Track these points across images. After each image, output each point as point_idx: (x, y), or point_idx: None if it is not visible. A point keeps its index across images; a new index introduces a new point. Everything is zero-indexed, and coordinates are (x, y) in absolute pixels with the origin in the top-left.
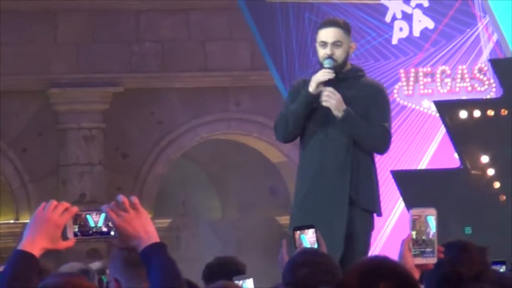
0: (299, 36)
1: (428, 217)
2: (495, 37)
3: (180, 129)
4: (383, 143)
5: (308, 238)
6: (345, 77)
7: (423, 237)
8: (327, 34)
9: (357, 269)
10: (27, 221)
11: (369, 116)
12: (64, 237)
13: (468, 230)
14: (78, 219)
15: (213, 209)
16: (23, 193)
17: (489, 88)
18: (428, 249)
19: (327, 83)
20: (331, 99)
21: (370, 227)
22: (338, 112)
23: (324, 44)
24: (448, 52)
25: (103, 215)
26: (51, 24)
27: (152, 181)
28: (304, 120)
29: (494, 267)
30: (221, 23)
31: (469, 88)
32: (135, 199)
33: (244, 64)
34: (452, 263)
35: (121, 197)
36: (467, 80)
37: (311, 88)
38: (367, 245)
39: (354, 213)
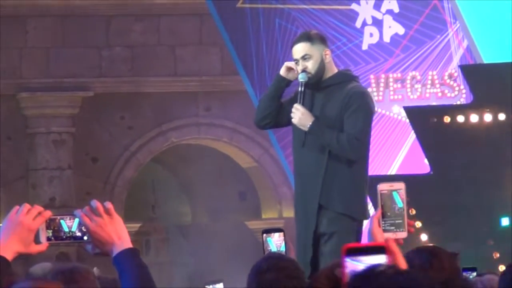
0: (269, 41)
1: (394, 192)
2: (465, 43)
3: (150, 134)
4: (351, 151)
5: (275, 241)
6: (328, 84)
7: (389, 212)
8: (295, 51)
9: (324, 273)
10: None
11: (342, 120)
12: (37, 241)
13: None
14: (52, 224)
15: (183, 214)
16: None
17: (459, 94)
18: (397, 224)
19: (309, 88)
20: (295, 115)
21: (342, 228)
22: (303, 127)
23: (296, 61)
24: (418, 58)
25: (76, 220)
26: (21, 28)
27: (122, 185)
28: (274, 100)
29: (465, 274)
30: (192, 28)
31: (439, 94)
32: (109, 205)
33: (214, 69)
34: (423, 268)
35: (95, 202)
36: (438, 86)
37: (281, 70)
38: (337, 246)
39: (325, 216)
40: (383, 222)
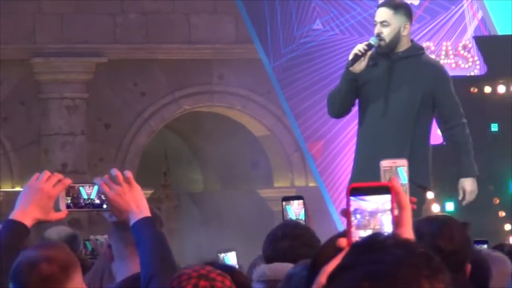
0: (284, 10)
1: (399, 168)
2: (480, 15)
3: (163, 101)
4: (465, 124)
5: (294, 209)
6: (401, 57)
7: None
8: (377, 14)
9: (332, 240)
10: (9, 189)
11: (437, 102)
12: (56, 208)
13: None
14: (71, 191)
15: (194, 182)
16: (5, 162)
17: (473, 65)
18: None
19: (380, 62)
20: (471, 199)
21: (422, 203)
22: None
23: (375, 23)
24: (432, 29)
25: (95, 187)
26: None
27: (134, 152)
28: (350, 96)
29: (477, 246)
30: None
31: (453, 65)
32: (128, 173)
33: (228, 37)
34: (433, 237)
35: (115, 171)
36: (451, 57)
37: (348, 65)
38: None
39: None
40: None
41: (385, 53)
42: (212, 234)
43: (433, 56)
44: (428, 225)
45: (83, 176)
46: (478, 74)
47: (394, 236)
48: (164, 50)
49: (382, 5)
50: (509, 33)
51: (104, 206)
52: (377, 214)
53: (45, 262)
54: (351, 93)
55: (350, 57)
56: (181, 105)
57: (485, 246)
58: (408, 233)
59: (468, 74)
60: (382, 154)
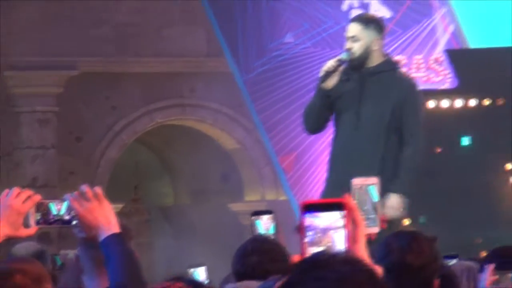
0: (256, 23)
1: (370, 187)
2: (451, 28)
3: (135, 114)
4: (421, 155)
5: (263, 224)
6: (372, 72)
7: (364, 207)
8: (348, 29)
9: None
10: None
11: (402, 120)
12: (26, 224)
13: (422, 219)
14: (41, 207)
15: (165, 195)
16: None
17: (444, 78)
18: (369, 218)
19: (352, 76)
20: (392, 215)
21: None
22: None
23: (347, 38)
24: (404, 42)
25: (65, 203)
26: (8, 7)
27: (105, 165)
28: (324, 111)
29: (446, 261)
30: (178, 9)
31: (425, 79)
32: (98, 190)
33: (200, 50)
34: (401, 252)
35: (85, 187)
36: (423, 70)
37: (320, 81)
38: None
39: None
40: None
41: (354, 68)
42: (182, 248)
43: (404, 69)
44: (397, 240)
45: (54, 190)
46: (450, 87)
47: (339, 254)
48: (136, 63)
49: (353, 20)
50: (480, 46)
51: (74, 222)
52: (329, 231)
53: (19, 274)
54: (325, 109)
55: (321, 73)
56: (153, 118)
57: (454, 260)
58: (362, 249)
59: (439, 88)
60: (354, 168)
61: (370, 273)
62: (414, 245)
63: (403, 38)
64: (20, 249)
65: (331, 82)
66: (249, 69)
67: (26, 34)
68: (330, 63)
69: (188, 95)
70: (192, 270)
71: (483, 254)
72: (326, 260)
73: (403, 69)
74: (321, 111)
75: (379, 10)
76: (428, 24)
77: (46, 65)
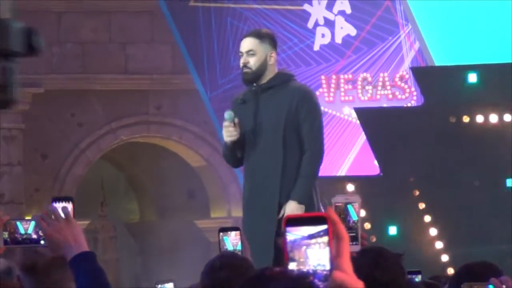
0: (220, 40)
1: (349, 205)
2: (416, 45)
3: (99, 131)
4: (319, 155)
5: (231, 240)
6: (268, 86)
7: (344, 225)
8: (242, 45)
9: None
10: None
11: (299, 125)
12: None
13: (393, 231)
14: (8, 226)
15: (131, 212)
16: None
17: (410, 96)
18: (351, 237)
19: (248, 97)
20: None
21: None
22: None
23: (241, 54)
24: (369, 60)
25: (33, 222)
26: None
27: (71, 182)
28: (238, 149)
29: (410, 276)
30: (143, 26)
31: (390, 96)
32: (66, 209)
33: (165, 68)
34: (369, 268)
35: (53, 207)
36: (388, 87)
37: (225, 137)
38: None
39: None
40: None
41: (250, 82)
42: (149, 265)
43: (349, 86)
44: (364, 257)
45: (20, 207)
46: (415, 105)
47: (281, 269)
48: (101, 81)
49: (247, 35)
50: (446, 63)
51: (42, 242)
52: (302, 247)
53: None
54: (238, 146)
55: (226, 141)
56: (118, 136)
57: (419, 276)
58: (346, 263)
59: (404, 105)
60: (259, 184)
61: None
62: (381, 261)
63: (369, 56)
64: None
65: (232, 138)
66: (214, 86)
67: None
68: (226, 133)
69: (154, 112)
70: (160, 286)
71: (449, 271)
72: (266, 276)
73: (296, 81)
74: (234, 151)
75: (344, 28)
76: (394, 42)
77: None
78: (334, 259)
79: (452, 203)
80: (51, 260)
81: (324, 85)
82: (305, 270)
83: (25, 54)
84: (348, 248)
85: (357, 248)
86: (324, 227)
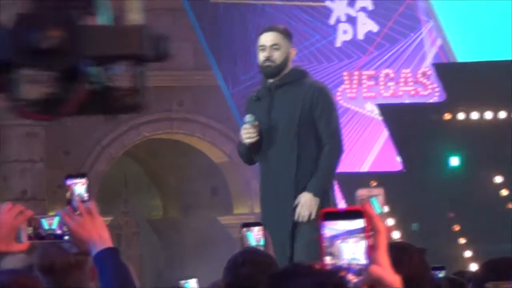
0: (242, 37)
1: (372, 198)
2: (439, 42)
3: (122, 128)
4: (338, 150)
5: (254, 235)
6: (283, 82)
7: None
8: (265, 38)
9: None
10: None
11: (314, 121)
12: (18, 239)
13: (415, 226)
14: (33, 222)
15: (154, 208)
16: None
17: (432, 92)
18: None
19: (262, 94)
20: (304, 213)
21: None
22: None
23: (263, 47)
24: (392, 56)
25: (57, 218)
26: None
27: (93, 179)
28: (253, 152)
29: (433, 272)
30: (166, 23)
31: (412, 92)
32: (91, 204)
33: (187, 64)
34: (394, 264)
35: (77, 202)
36: (411, 84)
37: (245, 143)
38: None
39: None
40: None
41: (271, 76)
42: (172, 261)
43: (372, 83)
44: (388, 252)
45: (42, 203)
46: (437, 101)
47: (309, 266)
48: None
49: (269, 30)
50: (468, 60)
51: (66, 237)
52: (337, 241)
53: (16, 286)
54: (255, 148)
55: (244, 142)
56: (140, 132)
57: (443, 272)
58: (383, 257)
59: (427, 101)
60: (275, 180)
61: (333, 286)
62: (404, 257)
63: (391, 52)
64: (8, 264)
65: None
66: (236, 82)
67: None
68: (245, 135)
69: (176, 109)
70: (183, 282)
71: (472, 267)
72: (293, 272)
73: (311, 77)
74: (251, 150)
75: (367, 24)
76: (416, 38)
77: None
78: (371, 253)
79: (475, 199)
80: (69, 260)
81: (347, 81)
82: (339, 264)
83: (154, 59)
84: (385, 242)
85: None
86: (361, 221)
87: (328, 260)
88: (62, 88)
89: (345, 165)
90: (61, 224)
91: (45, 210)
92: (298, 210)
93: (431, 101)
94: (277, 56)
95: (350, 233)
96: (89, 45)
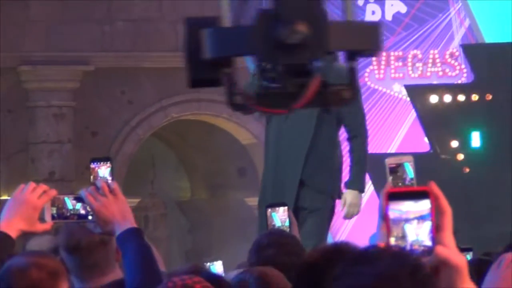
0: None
1: (405, 163)
2: (467, 23)
3: (150, 109)
4: (367, 143)
5: (279, 216)
6: None
7: (401, 183)
8: None
9: (322, 249)
10: None
11: (340, 114)
12: (42, 219)
13: None
14: (56, 202)
15: (181, 190)
16: None
17: (460, 73)
18: None
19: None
20: (353, 212)
21: (323, 206)
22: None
23: None
24: (420, 37)
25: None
26: (23, 2)
27: (121, 160)
28: None
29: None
30: (193, 4)
31: (440, 73)
32: (114, 184)
33: None
34: None
35: (100, 182)
36: (439, 65)
37: None
38: (316, 224)
39: (306, 192)
40: None
41: None
42: (200, 242)
43: (399, 64)
44: None
45: (70, 184)
46: (465, 82)
47: (384, 248)
48: (151, 58)
49: None
50: (496, 41)
51: (89, 217)
52: (401, 222)
53: (35, 268)
54: None
55: None
56: (168, 113)
57: (470, 253)
58: (449, 238)
59: (455, 82)
60: (283, 156)
61: (412, 268)
62: None
63: (419, 33)
64: (33, 245)
65: None
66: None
67: (41, 29)
68: None
69: (204, 90)
70: (208, 264)
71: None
72: (367, 254)
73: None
74: None
75: (395, 5)
76: (444, 19)
77: (61, 61)
78: (437, 234)
79: (502, 181)
80: (94, 238)
81: (375, 63)
82: (403, 246)
83: (374, 54)
84: (450, 223)
85: None
86: (427, 201)
87: (392, 241)
88: (296, 83)
89: (373, 146)
90: (85, 204)
91: (73, 191)
92: (346, 209)
93: (459, 82)
94: None
95: (414, 213)
96: (333, 40)
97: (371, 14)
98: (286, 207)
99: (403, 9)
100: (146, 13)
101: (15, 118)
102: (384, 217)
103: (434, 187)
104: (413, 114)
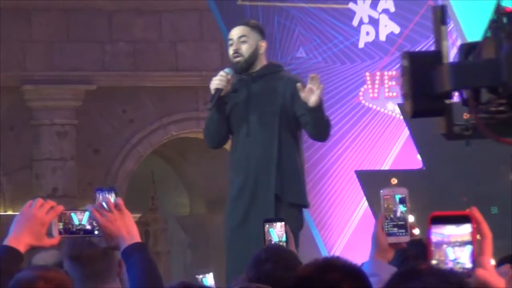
0: (267, 39)
1: (397, 195)
2: (458, 43)
3: (150, 127)
4: (329, 129)
5: (276, 232)
6: (259, 75)
7: (392, 216)
8: (232, 33)
9: (314, 263)
10: (1, 213)
11: (288, 107)
12: (49, 234)
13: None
14: (63, 217)
15: (181, 205)
16: None
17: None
18: (400, 228)
19: (239, 87)
20: (316, 92)
21: (298, 223)
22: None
23: (231, 41)
24: None
25: (87, 213)
26: (25, 22)
27: (122, 176)
28: (222, 123)
29: None
30: (192, 24)
31: None
32: (119, 200)
33: (213, 65)
34: (416, 259)
35: (106, 198)
36: None
37: (212, 96)
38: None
39: (281, 211)
40: (386, 225)
41: (241, 71)
42: (199, 257)
43: (393, 83)
44: (413, 248)
45: (73, 200)
46: (457, 100)
47: (428, 267)
48: (151, 78)
49: (237, 24)
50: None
51: (96, 232)
52: (442, 245)
53: (42, 281)
54: (223, 119)
55: (212, 92)
56: (168, 131)
57: None
58: (488, 261)
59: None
60: (252, 176)
61: (458, 286)
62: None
63: None
64: (39, 259)
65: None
66: None
67: (44, 49)
68: (216, 80)
69: (203, 108)
70: (200, 276)
71: None
72: (416, 271)
73: (287, 72)
74: (220, 122)
75: (388, 26)
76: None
77: (63, 80)
78: (477, 257)
79: (496, 197)
80: (97, 249)
81: (369, 82)
82: (444, 267)
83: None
84: (491, 247)
85: (406, 239)
86: (468, 225)
87: (434, 264)
88: None
89: (367, 164)
90: (91, 219)
91: (76, 207)
92: (305, 94)
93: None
94: (245, 49)
95: (456, 237)
96: None
97: (366, 34)
98: (283, 223)
99: (396, 29)
100: (146, 33)
101: (17, 136)
102: (426, 240)
103: (475, 212)
104: (406, 132)
